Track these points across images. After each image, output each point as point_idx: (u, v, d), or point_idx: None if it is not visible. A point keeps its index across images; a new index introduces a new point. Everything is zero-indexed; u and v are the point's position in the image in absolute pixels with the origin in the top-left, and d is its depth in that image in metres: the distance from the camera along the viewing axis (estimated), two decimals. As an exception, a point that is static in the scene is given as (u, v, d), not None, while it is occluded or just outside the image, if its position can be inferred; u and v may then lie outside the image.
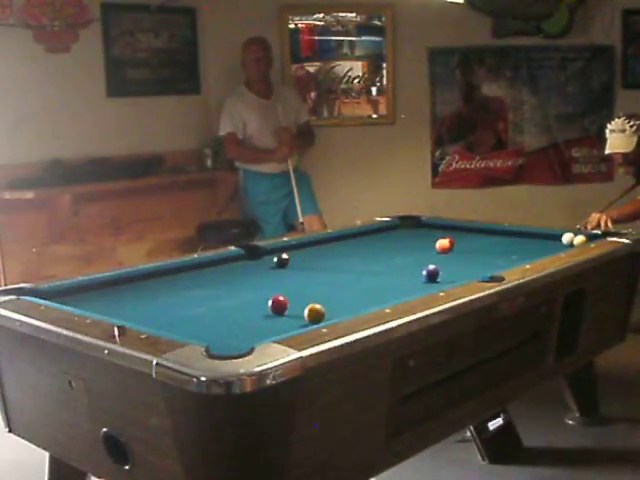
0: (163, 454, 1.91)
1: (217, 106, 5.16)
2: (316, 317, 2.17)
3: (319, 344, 1.91)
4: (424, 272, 2.69)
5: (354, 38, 5.68)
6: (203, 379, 1.72)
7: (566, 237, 3.23)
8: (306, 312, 2.19)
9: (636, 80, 5.82)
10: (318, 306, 2.19)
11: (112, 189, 4.74)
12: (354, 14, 5.64)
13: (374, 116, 5.76)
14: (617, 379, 3.79)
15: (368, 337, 2.02)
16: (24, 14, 4.48)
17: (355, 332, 2.01)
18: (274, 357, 1.80)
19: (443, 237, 3.29)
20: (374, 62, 5.70)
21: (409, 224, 3.91)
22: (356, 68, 5.68)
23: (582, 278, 2.90)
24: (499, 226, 3.66)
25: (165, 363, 1.80)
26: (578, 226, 3.57)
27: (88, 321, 2.17)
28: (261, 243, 3.44)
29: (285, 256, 3.09)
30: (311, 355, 1.85)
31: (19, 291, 2.57)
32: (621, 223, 3.61)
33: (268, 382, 1.75)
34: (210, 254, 3.31)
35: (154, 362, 1.81)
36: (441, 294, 2.39)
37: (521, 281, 2.57)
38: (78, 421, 2.17)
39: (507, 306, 2.53)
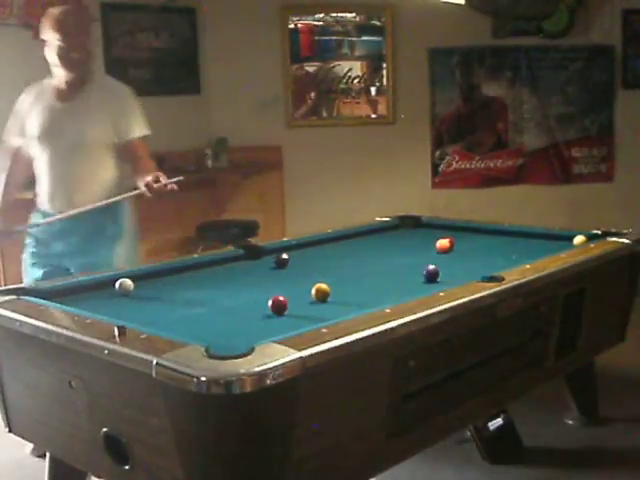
0: (163, 454, 1.91)
1: (217, 106, 5.15)
2: (323, 296, 2.47)
3: (319, 344, 1.91)
4: (424, 272, 2.69)
5: (354, 38, 5.67)
6: (203, 379, 1.72)
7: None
8: (313, 292, 2.47)
9: (636, 80, 5.82)
10: (324, 285, 2.48)
11: (112, 189, 4.72)
12: (354, 14, 5.64)
13: (373, 116, 5.75)
14: (617, 379, 3.79)
15: (368, 337, 2.02)
16: (24, 14, 4.48)
17: (355, 332, 2.01)
18: (274, 357, 1.80)
19: (443, 237, 3.29)
20: (374, 62, 5.70)
21: (409, 224, 3.91)
22: (356, 68, 5.68)
23: (582, 278, 2.90)
24: (499, 226, 3.66)
25: (165, 363, 1.80)
26: None
27: (88, 321, 2.18)
28: (261, 243, 3.44)
29: (285, 256, 3.09)
30: (311, 355, 1.85)
31: (19, 291, 2.57)
32: None
33: (268, 382, 1.75)
34: (210, 254, 3.31)
35: (154, 362, 1.81)
36: (441, 294, 2.39)
37: (521, 281, 2.57)
38: (78, 421, 2.17)
39: (507, 306, 2.53)
